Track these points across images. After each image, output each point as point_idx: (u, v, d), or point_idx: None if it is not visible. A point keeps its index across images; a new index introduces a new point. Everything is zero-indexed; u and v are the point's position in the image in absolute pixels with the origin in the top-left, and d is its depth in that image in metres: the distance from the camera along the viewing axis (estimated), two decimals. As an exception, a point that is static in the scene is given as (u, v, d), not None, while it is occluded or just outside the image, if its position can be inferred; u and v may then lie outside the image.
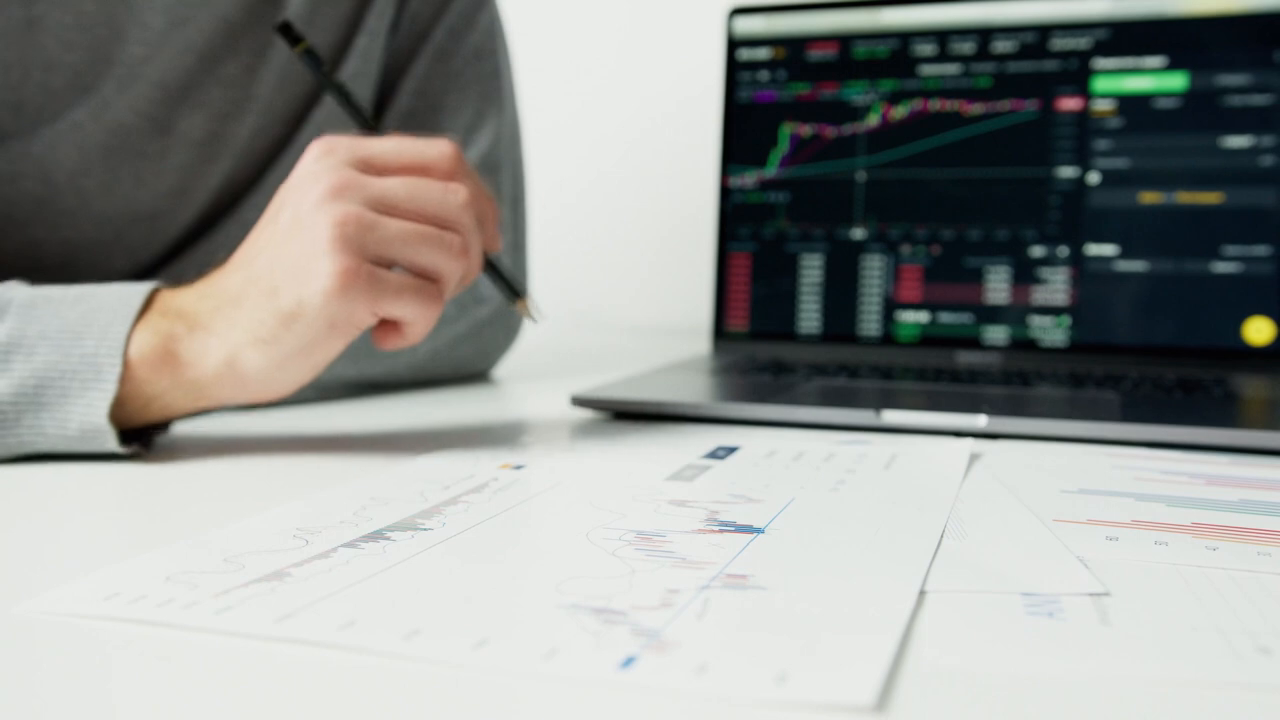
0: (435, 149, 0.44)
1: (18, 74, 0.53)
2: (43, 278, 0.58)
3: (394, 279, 0.41)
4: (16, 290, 0.44)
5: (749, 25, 0.84)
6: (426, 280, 0.43)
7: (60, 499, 0.37)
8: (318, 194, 0.41)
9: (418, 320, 0.43)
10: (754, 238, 0.83)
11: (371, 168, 0.43)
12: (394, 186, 0.42)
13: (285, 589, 0.27)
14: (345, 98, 0.48)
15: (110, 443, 0.42)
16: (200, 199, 0.61)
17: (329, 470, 0.41)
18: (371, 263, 0.41)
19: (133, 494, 0.38)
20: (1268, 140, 0.72)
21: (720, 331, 0.83)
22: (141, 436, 0.44)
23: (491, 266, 0.48)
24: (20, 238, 0.57)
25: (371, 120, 0.48)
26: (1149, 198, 0.74)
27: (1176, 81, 0.74)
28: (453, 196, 0.43)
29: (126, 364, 0.41)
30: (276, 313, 0.41)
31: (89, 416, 0.41)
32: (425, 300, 0.42)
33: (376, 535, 0.32)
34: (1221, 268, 0.73)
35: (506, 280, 0.48)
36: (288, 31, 0.47)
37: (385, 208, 0.41)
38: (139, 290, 0.43)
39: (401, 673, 0.22)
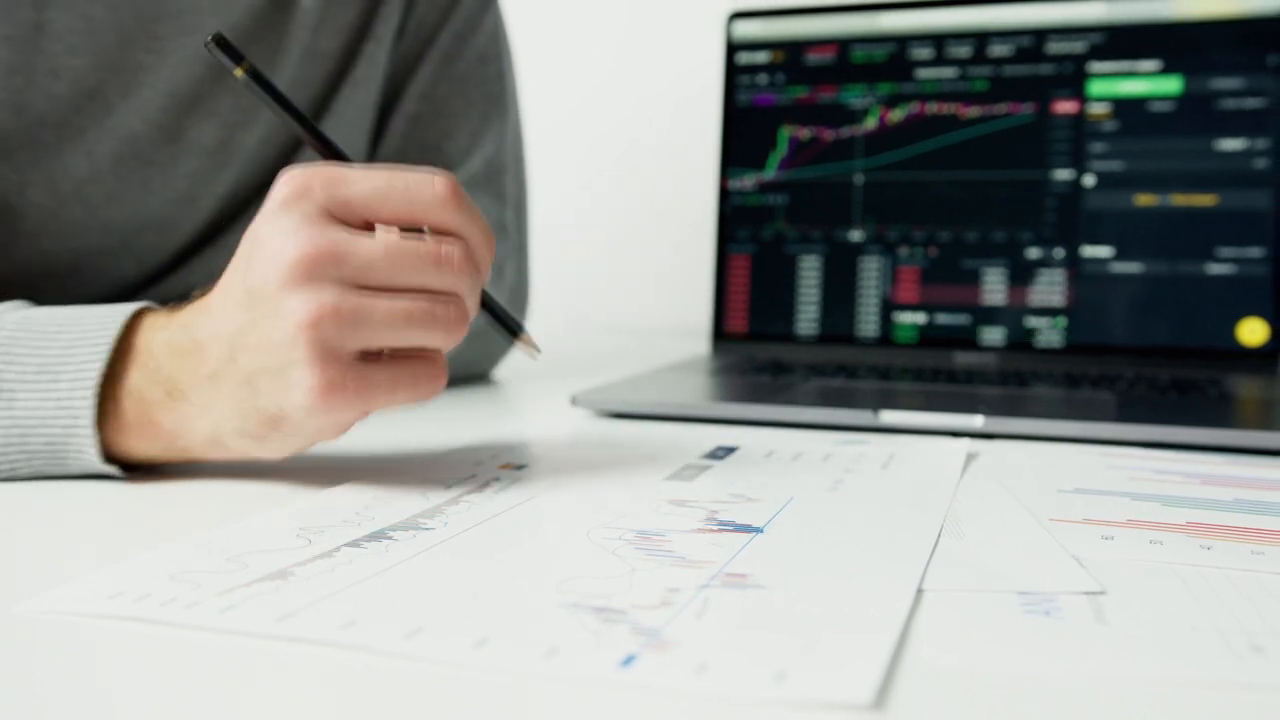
0: (428, 190, 0.37)
1: (21, 78, 0.53)
2: (52, 284, 0.58)
3: (384, 377, 0.37)
4: (3, 319, 0.40)
5: (748, 29, 0.85)
6: (425, 360, 0.38)
7: (60, 499, 0.37)
8: (286, 269, 0.35)
9: (417, 401, 0.39)
10: (753, 240, 0.83)
11: (352, 212, 0.37)
12: (378, 257, 0.36)
13: (288, 588, 0.27)
14: (304, 121, 0.41)
15: (116, 473, 0.40)
16: (208, 206, 0.61)
17: (331, 470, 0.41)
18: (357, 354, 0.37)
19: (134, 494, 0.38)
20: (1261, 143, 0.73)
21: (719, 332, 0.83)
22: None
23: (487, 306, 0.43)
24: (29, 247, 0.57)
25: (337, 148, 0.41)
26: (1144, 200, 0.75)
27: (1171, 85, 0.75)
28: (447, 267, 0.37)
29: (113, 429, 0.39)
30: (258, 413, 0.37)
31: (81, 465, 0.39)
32: (421, 386, 0.38)
33: (378, 535, 0.32)
34: (1216, 269, 0.73)
35: (503, 319, 0.44)
36: (225, 47, 0.40)
37: (368, 282, 0.36)
38: (120, 317, 0.39)
39: (403, 671, 0.22)
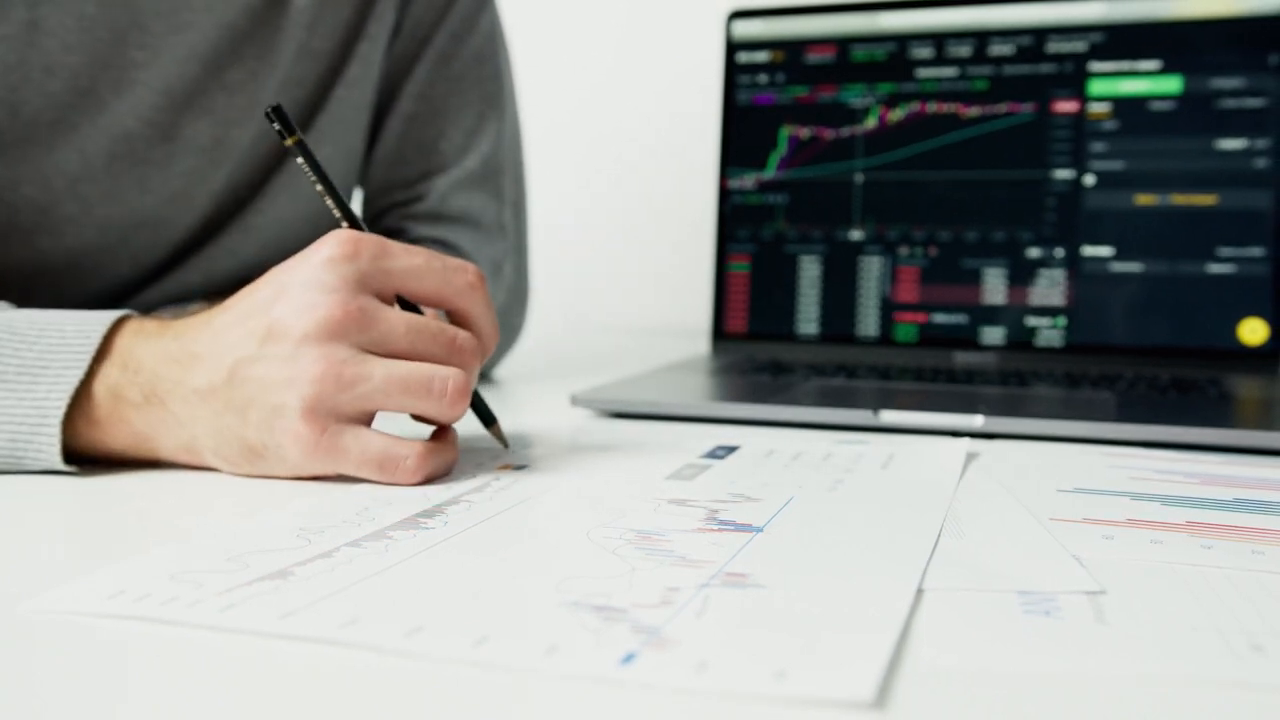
0: (461, 277, 0.41)
1: (17, 76, 0.53)
2: (48, 281, 0.59)
3: (355, 455, 0.38)
4: None
5: (748, 28, 0.85)
6: (404, 451, 0.39)
7: (60, 499, 0.38)
8: (314, 323, 0.37)
9: (383, 482, 0.39)
10: (753, 239, 0.83)
11: (388, 284, 0.39)
12: (399, 332, 0.39)
13: (288, 587, 0.27)
14: (335, 196, 0.43)
15: (73, 471, 0.40)
16: (203, 204, 0.61)
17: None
18: (349, 415, 0.38)
19: (134, 494, 0.38)
20: (1261, 143, 0.73)
21: (719, 332, 0.83)
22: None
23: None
24: (25, 245, 0.57)
25: (360, 224, 0.43)
26: (1144, 199, 0.75)
27: (1171, 84, 0.75)
28: (457, 351, 0.40)
29: (84, 420, 0.39)
30: (242, 441, 0.39)
31: (39, 464, 0.39)
32: (386, 471, 0.38)
33: (378, 534, 0.32)
34: (1216, 269, 0.73)
35: (479, 408, 0.47)
36: (282, 119, 0.42)
37: (381, 350, 0.39)
38: (100, 325, 0.40)
39: (403, 669, 0.22)
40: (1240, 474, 0.43)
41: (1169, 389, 0.61)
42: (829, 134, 0.82)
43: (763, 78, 0.84)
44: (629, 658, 0.22)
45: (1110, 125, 0.76)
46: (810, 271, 0.81)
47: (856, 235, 0.80)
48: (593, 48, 1.23)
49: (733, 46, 0.85)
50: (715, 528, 0.33)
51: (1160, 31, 0.75)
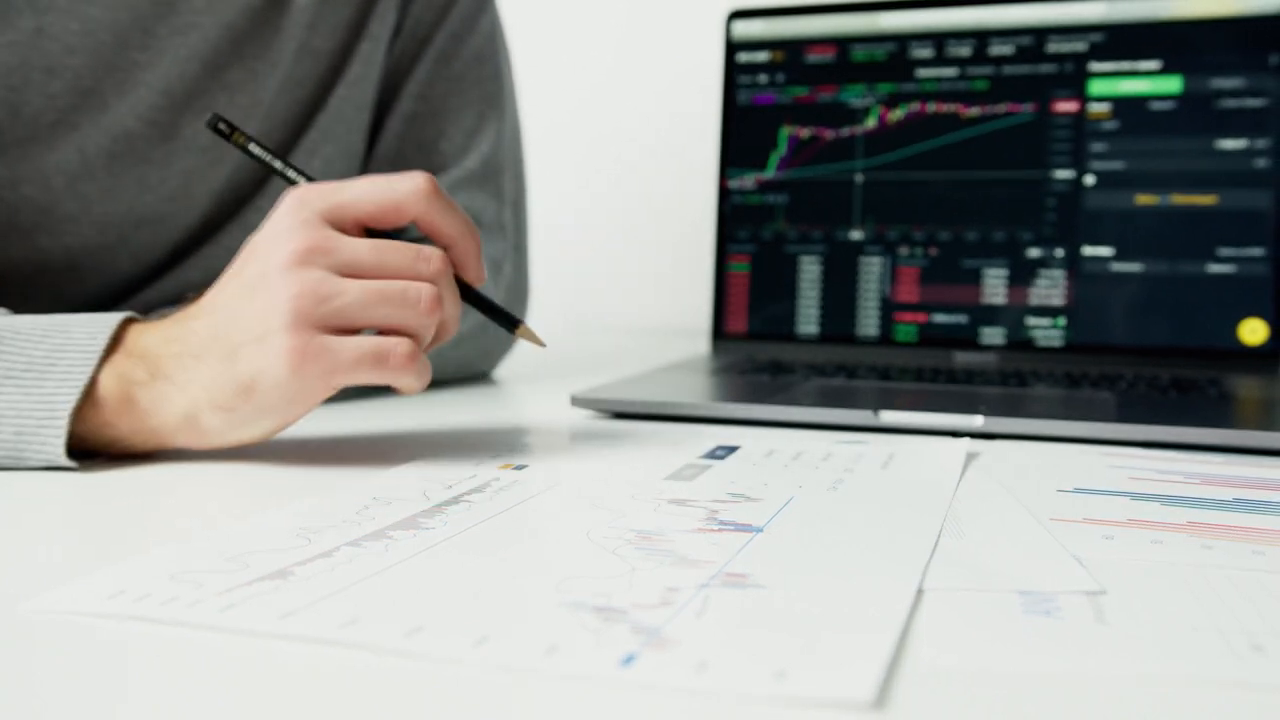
0: (407, 185, 0.42)
1: (18, 77, 0.53)
2: (49, 280, 0.59)
3: (348, 353, 0.40)
4: None
5: (748, 28, 0.85)
6: (393, 341, 0.40)
7: (59, 499, 0.38)
8: (284, 256, 0.40)
9: (390, 383, 0.41)
10: (753, 239, 0.83)
11: (345, 215, 0.41)
12: (364, 252, 0.40)
13: (288, 587, 0.27)
14: (291, 166, 0.45)
15: (74, 466, 0.41)
16: (203, 202, 0.61)
17: (332, 471, 0.41)
18: (334, 330, 0.40)
19: (134, 493, 0.38)
20: (1262, 143, 0.73)
21: (719, 332, 0.83)
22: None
23: (481, 300, 0.46)
24: (26, 244, 0.57)
25: (311, 178, 0.45)
26: (1144, 199, 0.75)
27: (1171, 84, 0.75)
28: (423, 262, 0.41)
29: (89, 405, 0.40)
30: (234, 381, 0.40)
31: (42, 458, 0.40)
32: (385, 368, 0.40)
33: (378, 534, 0.32)
34: (1216, 269, 0.73)
35: (500, 311, 0.46)
36: (221, 124, 0.45)
37: (351, 270, 0.40)
38: (107, 326, 0.41)
39: (403, 669, 0.22)
40: (1240, 474, 0.43)
41: (1169, 389, 0.61)
42: (829, 134, 0.82)
43: (763, 78, 0.84)
44: (629, 658, 0.22)
45: (1110, 125, 0.76)
46: (810, 271, 0.81)
47: (856, 235, 0.80)
48: (593, 48, 1.23)
49: (733, 46, 0.85)
50: (715, 528, 0.33)
51: (1160, 31, 0.75)
